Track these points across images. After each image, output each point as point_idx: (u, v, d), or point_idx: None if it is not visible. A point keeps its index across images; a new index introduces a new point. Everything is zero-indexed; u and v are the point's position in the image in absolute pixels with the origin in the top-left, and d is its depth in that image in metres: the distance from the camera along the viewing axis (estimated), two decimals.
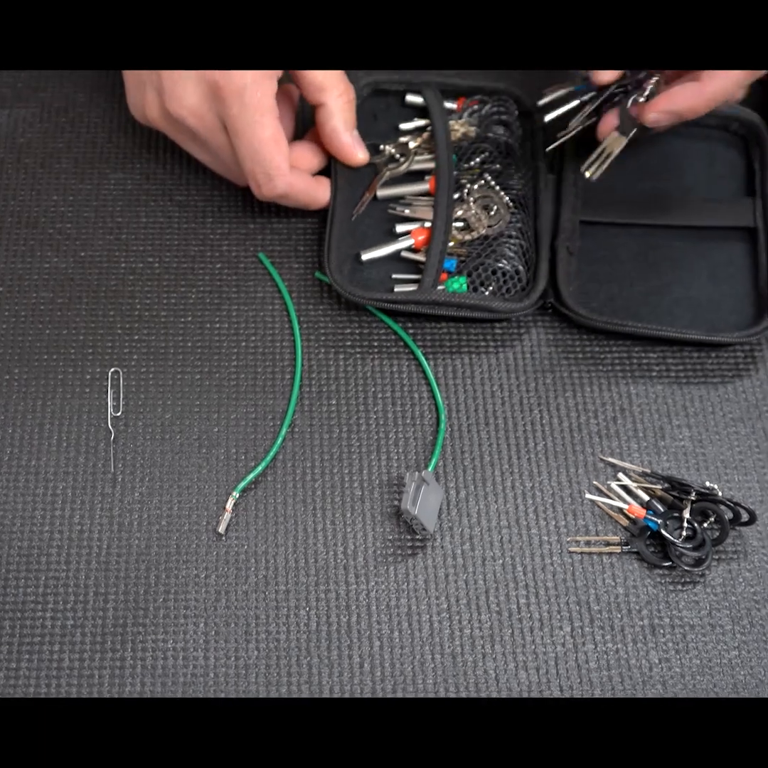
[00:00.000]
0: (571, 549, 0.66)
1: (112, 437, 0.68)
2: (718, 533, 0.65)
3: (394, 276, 0.72)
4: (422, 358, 0.71)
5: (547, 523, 0.67)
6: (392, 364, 0.71)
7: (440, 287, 0.71)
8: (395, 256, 0.73)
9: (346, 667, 0.63)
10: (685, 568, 0.65)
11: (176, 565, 0.65)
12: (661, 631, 0.64)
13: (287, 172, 0.70)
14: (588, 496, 0.67)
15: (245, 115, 0.67)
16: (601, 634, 0.64)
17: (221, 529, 0.65)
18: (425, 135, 0.77)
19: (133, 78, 0.72)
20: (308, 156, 0.73)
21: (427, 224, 0.73)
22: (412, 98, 0.78)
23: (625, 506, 0.66)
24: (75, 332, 0.71)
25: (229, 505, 0.66)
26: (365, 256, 0.73)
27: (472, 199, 0.73)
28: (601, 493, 0.67)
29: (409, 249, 0.73)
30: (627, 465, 0.68)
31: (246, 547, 0.65)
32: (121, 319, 0.72)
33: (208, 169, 0.76)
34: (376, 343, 0.72)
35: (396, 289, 0.71)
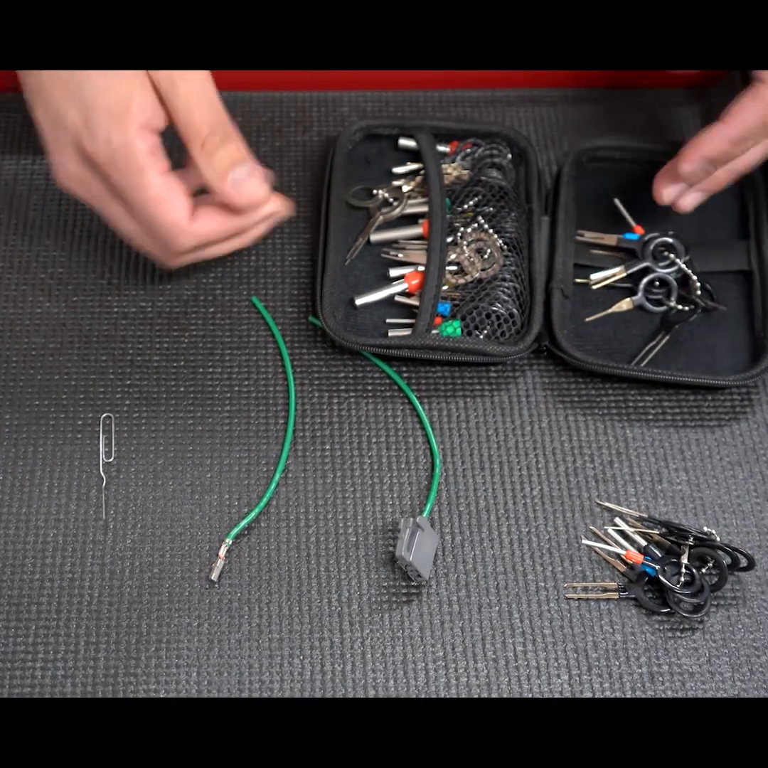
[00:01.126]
0: (568, 595, 0.65)
1: (104, 483, 0.67)
2: (716, 579, 0.65)
3: (388, 321, 0.72)
4: (417, 402, 0.70)
5: (543, 569, 0.66)
6: (386, 408, 0.70)
7: (434, 331, 0.70)
8: (389, 300, 0.73)
9: None
10: (684, 614, 0.64)
11: (168, 613, 0.64)
12: (660, 678, 0.63)
13: (186, 226, 0.64)
14: (585, 541, 0.66)
15: (125, 181, 0.62)
16: (599, 682, 0.63)
17: (214, 576, 0.65)
18: (418, 179, 0.77)
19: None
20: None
21: (421, 268, 0.72)
22: (405, 142, 0.78)
23: (622, 552, 0.65)
24: (67, 377, 0.71)
25: (222, 551, 0.65)
26: (359, 301, 0.72)
27: (465, 242, 0.73)
28: (597, 538, 0.67)
29: (403, 293, 0.73)
30: (624, 510, 0.67)
31: (239, 594, 0.65)
32: (113, 364, 0.71)
33: None
34: (370, 387, 0.71)
35: (390, 334, 0.71)
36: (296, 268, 0.75)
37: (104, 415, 0.70)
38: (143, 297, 0.74)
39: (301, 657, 0.63)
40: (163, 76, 0.61)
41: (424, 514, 0.66)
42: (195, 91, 0.62)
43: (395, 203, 0.75)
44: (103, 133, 0.61)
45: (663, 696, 0.63)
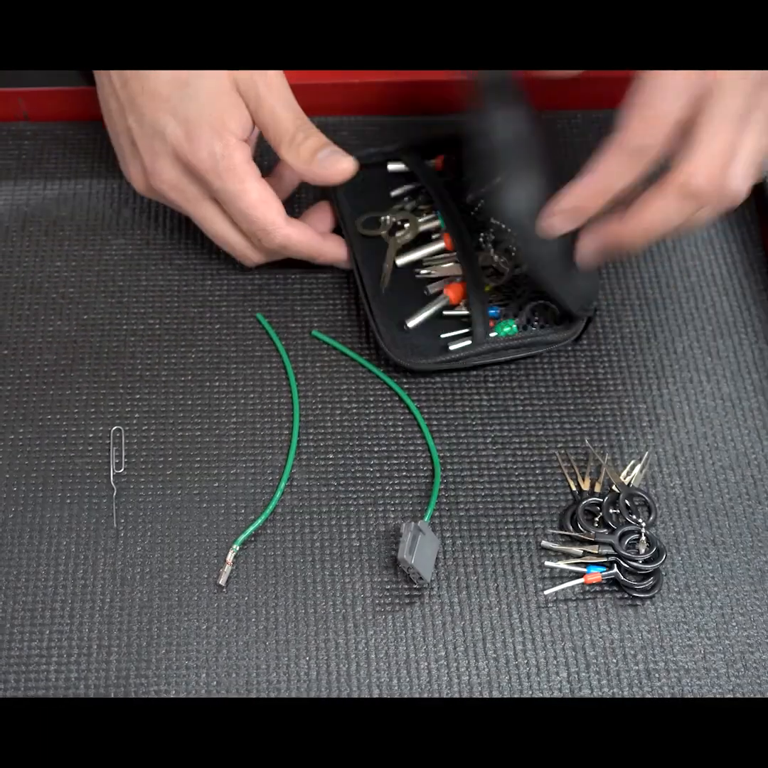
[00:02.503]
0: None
1: (115, 493, 0.69)
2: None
3: (443, 335, 0.74)
4: (417, 411, 0.72)
5: (541, 571, 0.68)
6: (387, 418, 0.72)
7: (493, 334, 0.73)
8: (436, 315, 0.75)
9: None
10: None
11: (178, 617, 0.66)
12: (657, 675, 0.65)
13: (283, 225, 0.71)
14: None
15: (227, 188, 0.69)
16: (597, 679, 0.65)
17: (222, 581, 0.67)
18: (420, 198, 0.79)
19: (118, 150, 0.75)
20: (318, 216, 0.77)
21: (458, 279, 0.75)
22: (394, 166, 0.81)
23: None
24: (78, 392, 0.73)
25: (230, 557, 0.67)
26: (411, 323, 0.74)
27: (490, 246, 0.75)
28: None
29: (449, 306, 0.75)
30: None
31: (246, 598, 0.67)
32: (123, 380, 0.74)
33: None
34: (371, 398, 0.73)
35: (451, 347, 0.73)
36: (298, 286, 0.78)
37: (114, 428, 0.72)
38: (151, 315, 0.76)
39: (307, 658, 0.65)
40: (251, 94, 0.69)
41: (425, 519, 0.68)
42: (279, 102, 0.69)
43: (407, 226, 0.78)
44: (205, 146, 0.68)
45: (660, 692, 0.64)
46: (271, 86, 0.69)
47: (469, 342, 0.73)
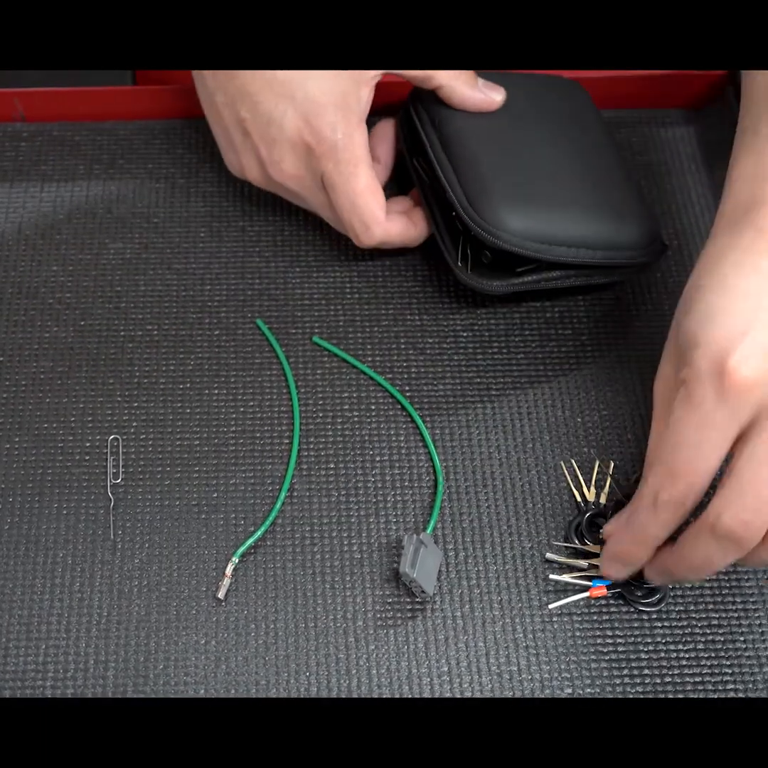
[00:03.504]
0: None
1: (112, 504, 0.68)
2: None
3: (518, 270, 0.73)
4: (419, 421, 0.71)
5: (546, 584, 0.67)
6: (389, 427, 0.71)
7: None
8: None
9: None
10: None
11: (176, 631, 0.65)
12: (664, 691, 0.64)
13: (383, 220, 0.72)
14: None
15: (339, 170, 0.70)
16: (603, 696, 0.64)
17: (221, 594, 0.65)
18: None
19: (225, 141, 0.75)
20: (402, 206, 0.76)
21: None
22: None
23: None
24: (75, 400, 0.72)
25: (229, 570, 0.66)
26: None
27: None
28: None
29: None
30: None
31: (246, 612, 0.65)
32: (121, 387, 0.72)
33: (206, 239, 0.78)
34: (373, 407, 0.72)
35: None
36: (299, 291, 0.76)
37: (112, 436, 0.71)
38: (149, 321, 0.75)
39: (308, 674, 0.64)
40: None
41: (428, 531, 0.67)
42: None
43: None
44: (328, 123, 0.69)
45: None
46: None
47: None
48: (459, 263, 0.73)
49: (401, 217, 0.74)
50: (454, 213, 0.72)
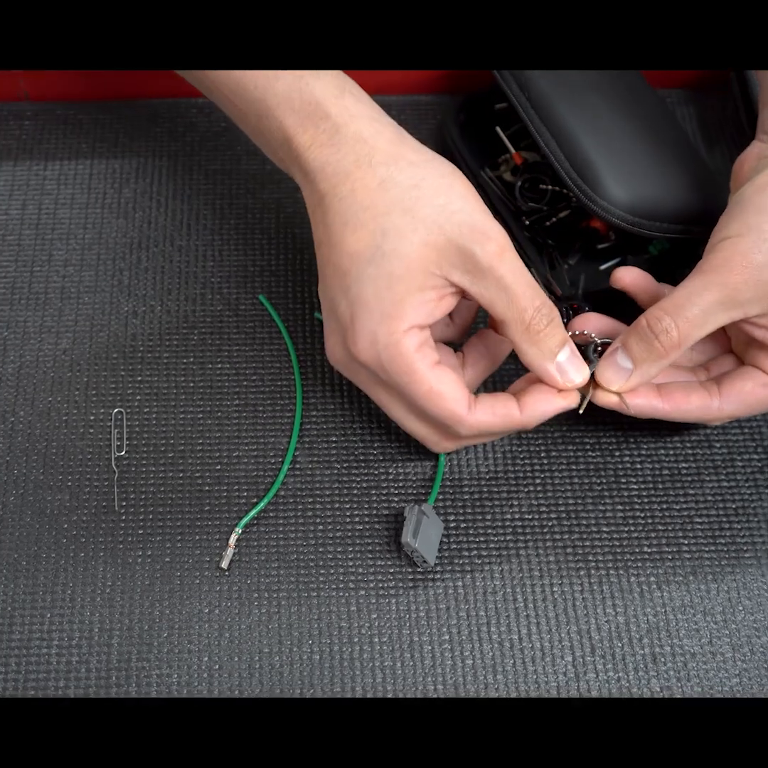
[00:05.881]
0: None
1: (116, 476, 0.69)
2: None
3: (601, 267, 0.76)
4: None
5: (546, 554, 0.67)
6: None
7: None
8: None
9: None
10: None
11: (180, 600, 0.65)
12: (662, 659, 0.64)
13: (465, 416, 0.61)
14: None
15: (394, 379, 0.61)
16: (603, 663, 0.64)
17: (224, 564, 0.66)
18: None
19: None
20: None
21: None
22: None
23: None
24: (79, 374, 0.72)
25: (232, 540, 0.67)
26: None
27: None
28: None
29: (598, 239, 0.76)
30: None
31: (249, 582, 0.66)
32: (124, 361, 0.73)
33: (209, 216, 0.78)
34: None
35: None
36: (301, 266, 0.77)
37: (116, 410, 0.71)
38: (152, 296, 0.75)
39: (310, 641, 0.64)
40: (468, 263, 0.59)
41: (430, 502, 0.68)
42: (509, 271, 0.59)
43: None
44: (368, 335, 0.60)
45: (665, 676, 0.64)
46: (496, 253, 0.59)
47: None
48: (550, 279, 0.74)
49: (493, 402, 0.62)
50: (546, 186, 0.74)
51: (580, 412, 0.64)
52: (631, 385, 0.63)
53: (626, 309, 0.67)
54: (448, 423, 0.61)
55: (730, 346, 0.68)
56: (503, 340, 0.64)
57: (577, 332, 0.66)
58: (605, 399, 0.63)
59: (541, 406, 0.62)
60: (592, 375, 0.63)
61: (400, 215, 0.60)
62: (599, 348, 0.65)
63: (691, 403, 0.64)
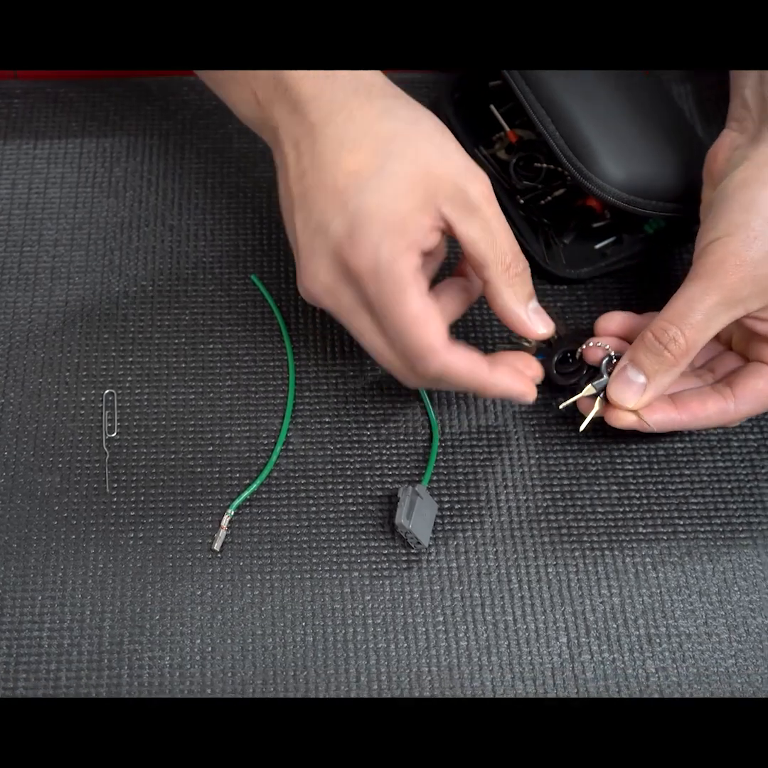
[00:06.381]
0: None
1: (107, 458, 0.68)
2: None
3: (597, 246, 0.76)
4: None
5: (541, 535, 0.67)
6: (384, 380, 0.71)
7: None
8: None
9: (343, 681, 0.63)
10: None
11: (172, 582, 0.65)
12: (658, 640, 0.64)
13: (441, 350, 0.60)
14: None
15: (382, 295, 0.60)
16: (597, 644, 0.64)
17: (216, 546, 0.66)
18: None
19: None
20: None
21: None
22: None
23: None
24: (69, 355, 0.72)
25: (225, 522, 0.66)
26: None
27: None
28: None
29: (594, 217, 0.76)
30: None
31: (241, 563, 0.66)
32: (115, 342, 0.72)
33: (201, 195, 0.78)
34: (367, 361, 0.72)
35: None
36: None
37: (107, 391, 0.71)
38: (144, 276, 0.75)
39: (304, 623, 0.64)
40: (458, 200, 0.60)
41: (423, 483, 0.67)
42: (496, 216, 0.61)
43: None
44: (370, 245, 0.59)
45: (660, 657, 0.63)
46: (486, 195, 0.61)
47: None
48: (546, 259, 0.74)
49: (468, 353, 0.62)
50: (546, 165, 0.74)
51: (581, 430, 0.66)
52: (648, 398, 0.63)
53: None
54: (422, 354, 0.60)
55: (729, 342, 0.68)
56: (472, 285, 0.66)
57: (591, 344, 0.66)
58: (624, 420, 0.64)
59: (506, 379, 0.63)
60: (603, 394, 0.64)
61: (402, 143, 0.61)
62: (614, 361, 0.65)
63: (707, 409, 0.65)
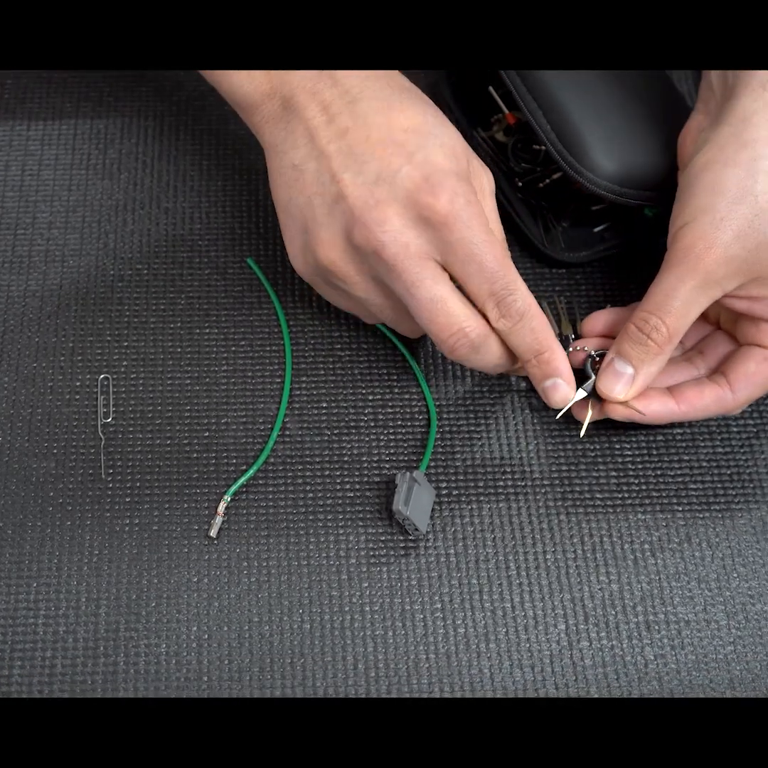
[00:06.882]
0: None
1: (103, 443, 0.68)
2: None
3: (596, 229, 0.75)
4: (412, 360, 0.71)
5: (539, 522, 0.66)
6: (382, 365, 0.71)
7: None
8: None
9: (341, 669, 0.62)
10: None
11: (168, 569, 0.65)
12: (656, 627, 0.64)
13: (525, 288, 0.62)
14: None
15: (466, 235, 0.60)
16: (596, 632, 0.64)
17: (213, 532, 0.65)
18: None
19: (299, 222, 0.65)
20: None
21: None
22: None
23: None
24: (64, 340, 0.71)
25: (221, 508, 0.66)
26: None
27: None
28: None
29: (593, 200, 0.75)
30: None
31: (238, 550, 0.65)
32: (110, 326, 0.72)
33: (196, 177, 0.77)
34: (365, 346, 0.71)
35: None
36: None
37: (102, 376, 0.70)
38: (139, 260, 0.74)
39: (301, 610, 0.64)
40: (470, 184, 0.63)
41: (421, 469, 0.67)
42: (495, 208, 0.65)
43: None
44: (449, 191, 0.60)
45: (659, 644, 0.63)
46: (491, 189, 0.65)
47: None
48: (545, 243, 0.74)
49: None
50: (537, 167, 0.74)
51: (581, 435, 0.67)
52: (637, 388, 0.64)
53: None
54: (516, 287, 0.61)
55: (717, 321, 0.68)
56: None
57: (578, 348, 0.66)
58: (618, 411, 0.65)
59: (564, 364, 0.64)
60: (593, 392, 0.65)
61: (436, 111, 0.64)
62: (597, 360, 0.65)
63: (705, 398, 0.65)
